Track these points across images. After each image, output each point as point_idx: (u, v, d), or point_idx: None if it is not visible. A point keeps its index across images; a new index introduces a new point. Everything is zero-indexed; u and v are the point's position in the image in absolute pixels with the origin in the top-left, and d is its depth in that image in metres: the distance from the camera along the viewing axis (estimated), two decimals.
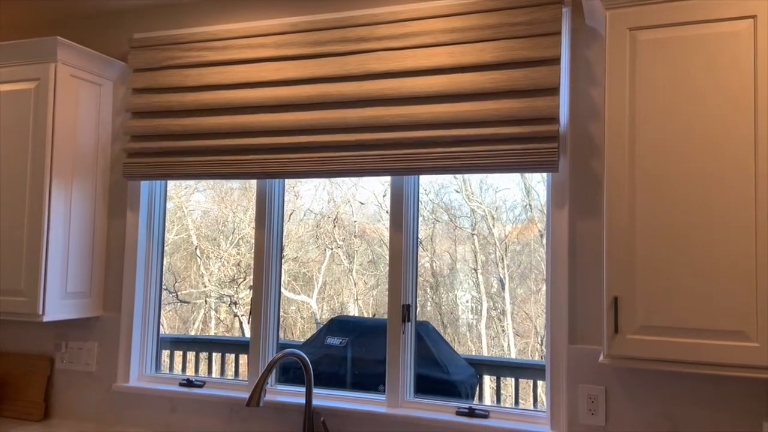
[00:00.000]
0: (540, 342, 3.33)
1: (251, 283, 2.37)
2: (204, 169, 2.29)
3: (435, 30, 2.04)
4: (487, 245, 3.38)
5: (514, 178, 2.65)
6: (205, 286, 3.81)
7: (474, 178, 2.99)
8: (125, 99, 2.50)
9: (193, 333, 3.60)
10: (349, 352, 2.64)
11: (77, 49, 2.34)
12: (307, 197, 3.25)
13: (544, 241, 2.11)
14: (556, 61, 1.91)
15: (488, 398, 2.54)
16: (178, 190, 3.37)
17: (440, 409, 2.10)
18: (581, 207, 1.95)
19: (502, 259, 3.37)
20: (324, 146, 2.15)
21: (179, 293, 3.61)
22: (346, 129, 2.12)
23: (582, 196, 1.95)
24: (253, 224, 2.39)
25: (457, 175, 2.77)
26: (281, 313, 2.40)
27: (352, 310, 3.51)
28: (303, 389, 2.22)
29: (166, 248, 2.61)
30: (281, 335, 2.40)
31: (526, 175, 2.53)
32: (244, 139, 2.25)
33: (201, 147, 2.30)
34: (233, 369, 2.98)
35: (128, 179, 2.43)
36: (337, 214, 3.40)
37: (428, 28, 2.05)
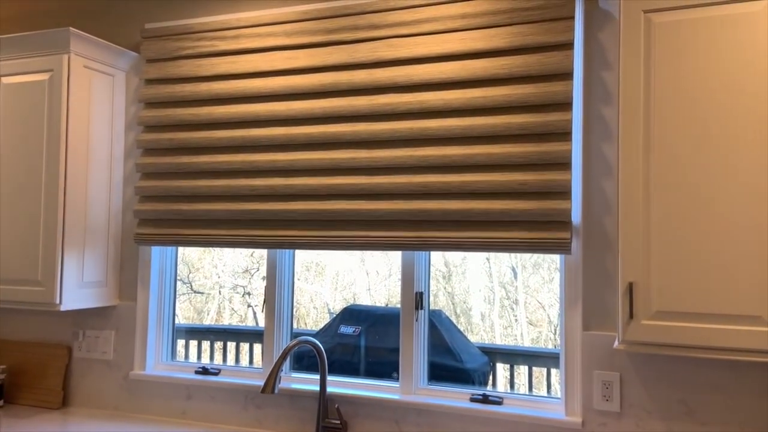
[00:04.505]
0: (553, 331, 3.31)
1: (264, 274, 2.38)
2: (216, 240, 2.27)
3: (447, 16, 2.03)
4: None
5: None
6: (219, 277, 3.83)
7: None
8: (138, 89, 2.52)
9: (207, 323, 3.62)
10: (363, 341, 2.64)
11: (90, 40, 2.35)
12: None
13: None
14: (569, 45, 1.90)
15: (501, 386, 2.54)
16: None
17: (454, 396, 2.10)
18: (595, 197, 1.94)
19: None
20: (334, 220, 2.12)
21: (193, 284, 3.63)
22: (357, 117, 2.12)
23: (597, 186, 1.94)
24: None
25: None
26: (294, 303, 2.41)
27: (365, 300, 3.51)
28: (317, 376, 2.24)
29: None
30: (294, 325, 2.41)
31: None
32: (256, 155, 2.23)
33: (212, 167, 2.30)
34: (248, 358, 3.00)
35: (140, 245, 2.45)
36: None
37: (440, 14, 2.03)
